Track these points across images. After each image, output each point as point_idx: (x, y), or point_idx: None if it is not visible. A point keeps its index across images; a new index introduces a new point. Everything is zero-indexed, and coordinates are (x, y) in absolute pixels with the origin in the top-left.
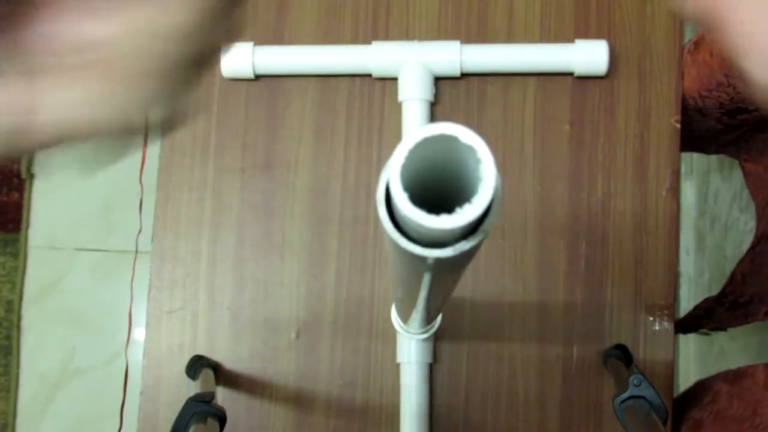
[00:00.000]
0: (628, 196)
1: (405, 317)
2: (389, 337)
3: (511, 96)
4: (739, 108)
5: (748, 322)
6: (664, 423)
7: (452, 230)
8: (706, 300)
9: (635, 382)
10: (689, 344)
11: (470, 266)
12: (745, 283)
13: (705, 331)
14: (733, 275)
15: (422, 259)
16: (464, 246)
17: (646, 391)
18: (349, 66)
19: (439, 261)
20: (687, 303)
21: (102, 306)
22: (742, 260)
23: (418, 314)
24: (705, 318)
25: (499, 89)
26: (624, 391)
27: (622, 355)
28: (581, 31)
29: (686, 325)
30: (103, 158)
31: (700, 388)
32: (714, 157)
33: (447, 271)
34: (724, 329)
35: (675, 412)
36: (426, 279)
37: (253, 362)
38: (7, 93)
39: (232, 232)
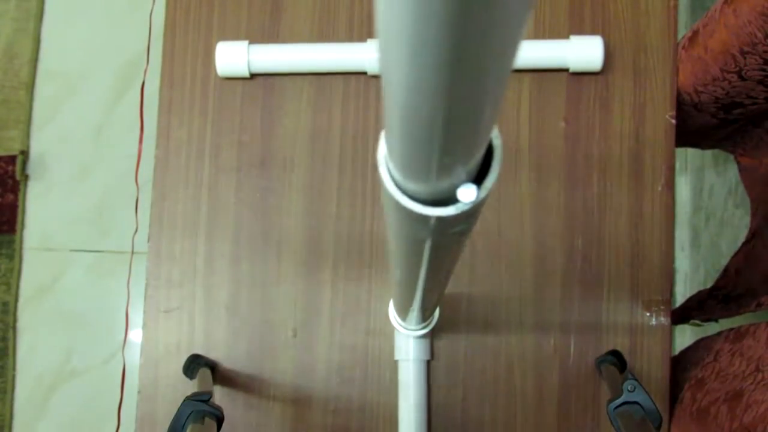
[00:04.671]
0: (623, 192)
1: (403, 311)
2: (386, 334)
3: (506, 92)
4: (734, 102)
5: (740, 314)
6: (658, 428)
7: (458, 176)
8: (699, 293)
9: (629, 388)
10: (686, 335)
11: (467, 262)
12: (738, 277)
13: (696, 321)
14: (726, 269)
15: (424, 221)
16: (465, 205)
17: (639, 396)
18: (344, 64)
19: (440, 222)
20: (683, 299)
21: (98, 307)
22: (735, 255)
23: (417, 302)
24: (696, 310)
25: None
26: (618, 397)
27: (616, 361)
28: (576, 26)
29: (678, 316)
30: None
31: (701, 347)
32: (709, 153)
33: (447, 240)
34: (716, 320)
35: (676, 372)
36: (427, 249)
37: (250, 361)
38: None
39: (229, 231)
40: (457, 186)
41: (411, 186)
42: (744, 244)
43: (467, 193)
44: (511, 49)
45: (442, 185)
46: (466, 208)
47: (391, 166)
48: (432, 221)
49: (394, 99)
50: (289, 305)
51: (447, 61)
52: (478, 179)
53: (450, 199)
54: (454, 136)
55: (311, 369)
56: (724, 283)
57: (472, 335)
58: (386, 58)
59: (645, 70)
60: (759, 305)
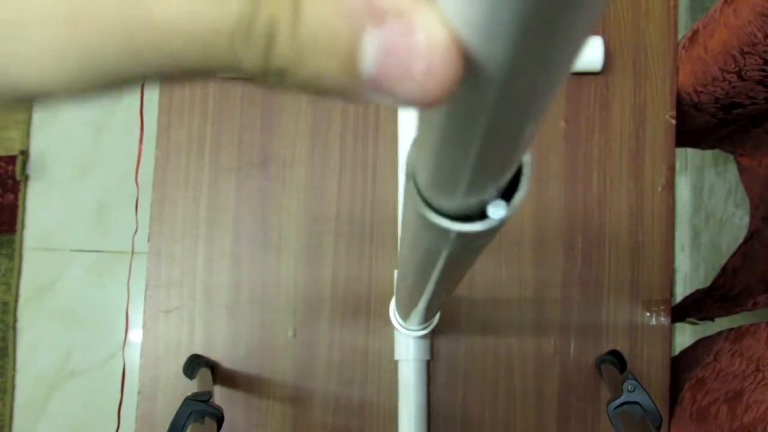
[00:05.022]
0: (623, 192)
1: (407, 312)
2: (387, 334)
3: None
4: (733, 102)
5: (735, 312)
6: (658, 429)
7: (488, 193)
8: (696, 292)
9: (629, 388)
10: (686, 335)
11: None
12: (735, 277)
13: (692, 320)
14: (724, 269)
15: (445, 235)
16: (494, 221)
17: (640, 396)
18: None
19: (462, 236)
20: (682, 299)
21: (98, 307)
22: (733, 254)
23: (422, 304)
24: (693, 309)
25: None
26: (618, 397)
27: (615, 361)
28: None
29: (674, 314)
30: None
31: (701, 347)
32: (708, 153)
33: (465, 252)
34: (712, 319)
35: (676, 372)
36: (442, 259)
37: (250, 361)
38: None
39: (229, 231)
40: (485, 202)
41: (437, 201)
42: (742, 244)
43: (497, 210)
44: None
45: (470, 201)
46: (494, 224)
47: (418, 180)
48: (452, 235)
49: (432, 122)
50: (289, 305)
51: (500, 85)
52: (506, 194)
53: (476, 214)
54: (491, 156)
55: (311, 369)
56: (722, 283)
57: (472, 335)
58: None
59: (645, 70)
60: (755, 304)
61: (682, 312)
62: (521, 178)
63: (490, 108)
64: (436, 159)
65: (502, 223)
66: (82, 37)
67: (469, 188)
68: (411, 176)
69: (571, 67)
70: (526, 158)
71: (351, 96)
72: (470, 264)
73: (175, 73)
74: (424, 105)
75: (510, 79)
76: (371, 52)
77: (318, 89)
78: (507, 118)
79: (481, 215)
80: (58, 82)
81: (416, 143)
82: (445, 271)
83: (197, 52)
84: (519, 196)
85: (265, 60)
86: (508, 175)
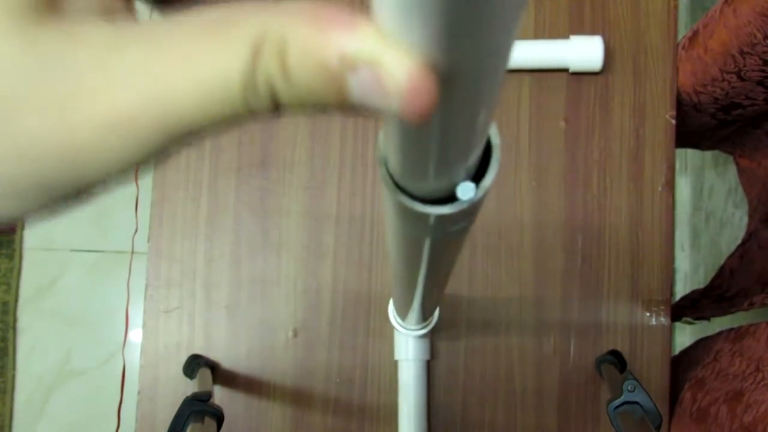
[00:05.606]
0: (623, 192)
1: (403, 310)
2: (386, 334)
3: (506, 92)
4: (733, 103)
5: (731, 312)
6: (658, 429)
7: (457, 175)
8: (694, 292)
9: (629, 388)
10: (686, 335)
11: (466, 263)
12: (732, 277)
13: (688, 319)
14: (721, 269)
15: (424, 220)
16: (464, 203)
17: (639, 396)
18: None
19: (439, 220)
20: None
21: (98, 307)
22: (731, 255)
23: (417, 300)
24: (690, 309)
25: None
26: (618, 397)
27: (615, 361)
28: (576, 26)
29: (671, 313)
30: None
31: (701, 347)
32: (708, 153)
33: (446, 238)
34: (708, 318)
35: (676, 372)
36: (426, 247)
37: (250, 361)
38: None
39: (229, 231)
40: (456, 184)
41: (410, 184)
42: (741, 244)
43: (466, 191)
44: (505, 52)
45: (440, 184)
46: (464, 206)
47: (389, 164)
48: (431, 219)
49: None
50: (289, 305)
51: (442, 68)
52: (478, 176)
53: (449, 197)
54: (450, 138)
55: (311, 369)
56: (719, 283)
57: (472, 335)
58: None
59: (645, 70)
60: (751, 304)
61: (678, 311)
62: (491, 161)
63: (442, 95)
64: (402, 142)
65: (474, 205)
66: (128, 146)
67: (437, 171)
68: (383, 161)
69: (508, 59)
70: (495, 141)
71: (359, 114)
72: (454, 254)
73: (212, 133)
74: (416, 119)
75: (454, 74)
76: (355, 90)
77: (330, 113)
78: (460, 103)
79: (454, 198)
80: (113, 176)
81: (384, 128)
82: (431, 262)
83: (223, 117)
84: (489, 178)
85: (276, 105)
86: (473, 157)
